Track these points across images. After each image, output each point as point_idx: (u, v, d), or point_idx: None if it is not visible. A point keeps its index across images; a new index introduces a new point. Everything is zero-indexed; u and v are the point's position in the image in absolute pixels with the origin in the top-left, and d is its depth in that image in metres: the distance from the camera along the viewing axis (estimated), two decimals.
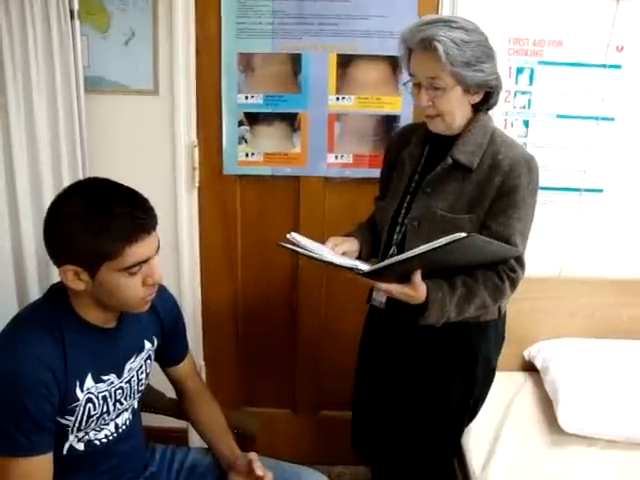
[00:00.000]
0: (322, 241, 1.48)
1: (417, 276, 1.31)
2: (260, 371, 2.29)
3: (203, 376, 2.15)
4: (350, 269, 1.30)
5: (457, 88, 1.35)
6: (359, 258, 1.52)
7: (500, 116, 1.98)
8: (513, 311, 1.97)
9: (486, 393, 1.64)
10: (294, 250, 1.39)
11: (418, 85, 1.39)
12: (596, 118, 1.97)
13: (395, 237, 1.49)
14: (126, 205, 1.13)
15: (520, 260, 1.42)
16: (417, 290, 1.32)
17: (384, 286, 1.33)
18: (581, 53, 1.92)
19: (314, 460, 1.83)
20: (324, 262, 1.35)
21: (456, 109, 1.39)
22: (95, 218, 1.10)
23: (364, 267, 1.30)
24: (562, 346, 1.99)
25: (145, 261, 1.15)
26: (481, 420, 1.82)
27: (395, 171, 1.55)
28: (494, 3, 1.88)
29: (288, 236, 1.42)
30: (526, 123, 1.99)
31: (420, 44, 1.34)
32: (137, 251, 1.13)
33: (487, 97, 1.42)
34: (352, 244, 1.51)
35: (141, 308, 1.23)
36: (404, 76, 1.46)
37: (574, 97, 1.96)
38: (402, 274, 1.32)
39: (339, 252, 1.45)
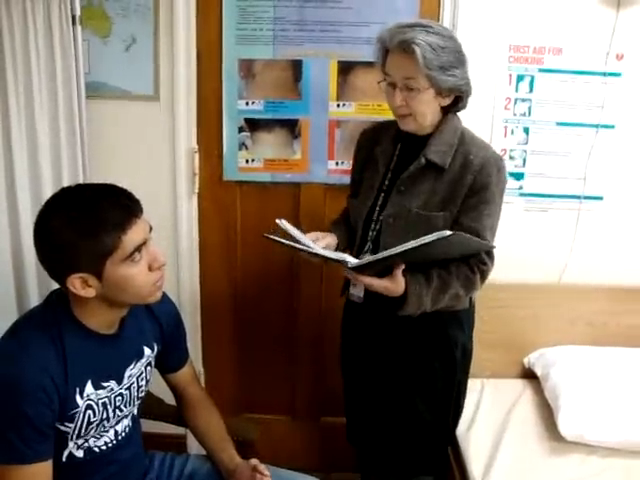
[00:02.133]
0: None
1: (399, 271, 1.37)
2: (260, 378, 2.28)
3: (202, 382, 2.14)
4: (338, 261, 1.36)
5: (430, 90, 1.40)
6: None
7: (500, 123, 1.99)
8: (513, 318, 1.98)
9: (467, 374, 1.68)
10: (281, 242, 1.43)
11: (392, 85, 1.43)
12: (596, 126, 1.98)
13: (370, 233, 1.54)
14: (109, 198, 1.15)
15: (490, 254, 1.48)
16: (397, 284, 1.38)
17: (367, 279, 1.38)
18: (581, 61, 1.93)
19: (313, 467, 1.82)
20: (311, 254, 1.40)
21: (427, 110, 1.44)
22: (85, 220, 1.11)
23: (352, 261, 1.35)
24: (562, 353, 1.99)
25: (143, 244, 1.17)
26: (481, 427, 1.83)
27: (368, 169, 1.59)
28: (495, 11, 1.89)
29: (277, 221, 1.47)
30: (526, 130, 2.00)
31: (399, 46, 1.38)
32: (132, 237, 1.14)
33: (457, 101, 1.47)
34: (332, 239, 1.57)
35: (154, 296, 1.23)
36: (381, 85, 1.49)
37: (574, 105, 1.96)
38: (383, 269, 1.38)
39: (320, 246, 1.50)
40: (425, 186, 1.47)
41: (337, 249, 1.58)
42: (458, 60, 1.40)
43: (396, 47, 1.39)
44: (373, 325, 1.59)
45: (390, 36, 1.40)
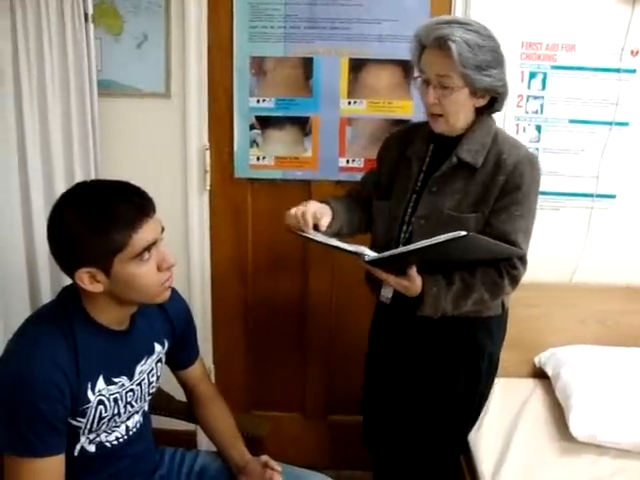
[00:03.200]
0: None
1: (413, 270, 1.36)
2: (270, 375, 2.28)
3: (212, 379, 2.14)
4: (356, 254, 1.35)
5: (464, 90, 1.37)
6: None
7: (512, 121, 1.97)
8: (524, 317, 1.97)
9: (490, 387, 1.66)
10: (300, 234, 1.43)
11: (427, 82, 1.41)
12: (610, 123, 1.96)
13: (402, 235, 1.51)
14: (122, 195, 1.15)
15: (522, 257, 1.44)
16: (412, 283, 1.37)
17: (383, 275, 1.38)
18: (595, 57, 1.91)
19: (324, 464, 1.83)
20: (329, 246, 1.39)
21: (460, 110, 1.41)
22: (97, 215, 1.12)
23: (370, 254, 1.35)
24: (573, 353, 1.98)
25: (153, 244, 1.17)
26: (491, 427, 1.82)
27: (400, 170, 1.56)
28: (507, 7, 1.88)
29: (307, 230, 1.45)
30: (538, 128, 1.98)
31: (435, 42, 1.35)
32: (143, 236, 1.14)
33: (492, 102, 1.44)
34: (328, 218, 1.47)
35: (162, 296, 1.23)
36: (416, 81, 1.48)
37: (587, 102, 1.95)
38: (402, 266, 1.37)
39: (323, 226, 1.44)
40: (457, 186, 1.44)
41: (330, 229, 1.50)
42: (495, 60, 1.37)
43: (432, 43, 1.36)
44: (400, 327, 1.58)
45: (427, 32, 1.37)
